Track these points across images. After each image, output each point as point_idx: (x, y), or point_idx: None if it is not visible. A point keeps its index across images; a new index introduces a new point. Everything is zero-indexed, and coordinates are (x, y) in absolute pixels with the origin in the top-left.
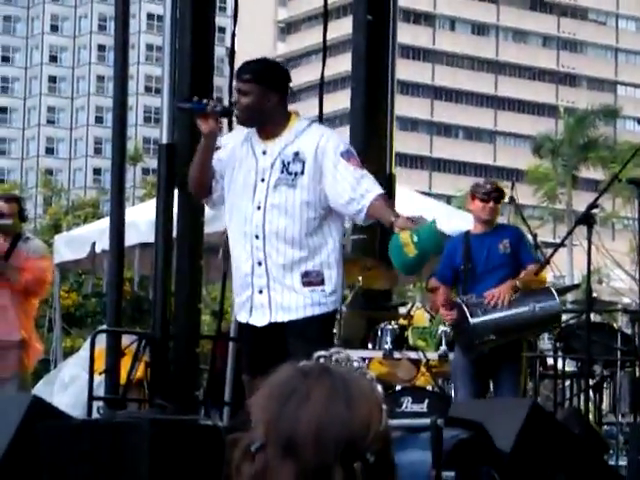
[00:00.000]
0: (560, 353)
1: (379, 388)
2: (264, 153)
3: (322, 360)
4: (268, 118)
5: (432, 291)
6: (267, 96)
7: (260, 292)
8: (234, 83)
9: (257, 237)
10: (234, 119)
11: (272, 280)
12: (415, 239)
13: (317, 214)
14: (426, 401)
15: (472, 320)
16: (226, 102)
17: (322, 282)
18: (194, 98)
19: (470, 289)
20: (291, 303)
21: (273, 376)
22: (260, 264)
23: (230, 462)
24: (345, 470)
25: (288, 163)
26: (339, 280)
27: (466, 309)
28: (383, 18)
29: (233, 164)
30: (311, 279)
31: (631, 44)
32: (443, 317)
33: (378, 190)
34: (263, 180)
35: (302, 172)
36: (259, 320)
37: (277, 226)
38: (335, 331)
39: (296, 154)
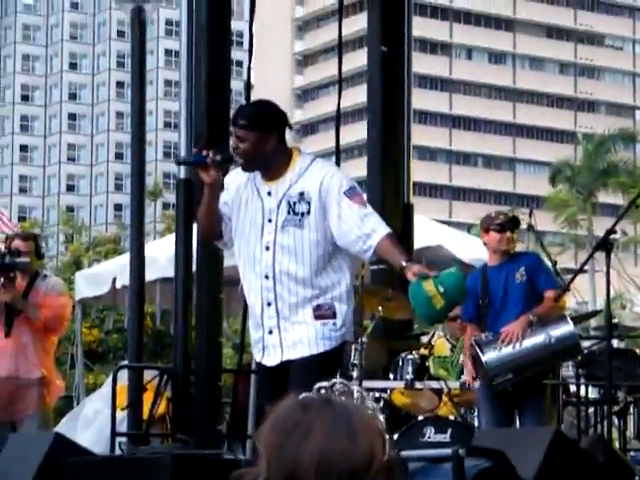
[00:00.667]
0: (583, 380)
1: (381, 418)
2: (269, 194)
3: (323, 392)
4: (269, 160)
5: (452, 320)
6: (265, 140)
7: (270, 333)
8: (231, 128)
9: (267, 277)
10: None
11: (283, 320)
12: (441, 290)
13: (326, 252)
14: (449, 431)
15: (485, 359)
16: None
17: (334, 315)
18: (194, 151)
19: (491, 324)
20: (302, 336)
21: (275, 409)
22: (270, 304)
23: None
24: None
25: (294, 204)
26: (349, 313)
27: (478, 350)
28: (398, 48)
29: (239, 205)
30: (323, 312)
31: None
32: (465, 375)
33: (385, 230)
34: (270, 221)
35: (308, 212)
36: (271, 360)
37: (287, 267)
38: (357, 362)
39: (301, 194)
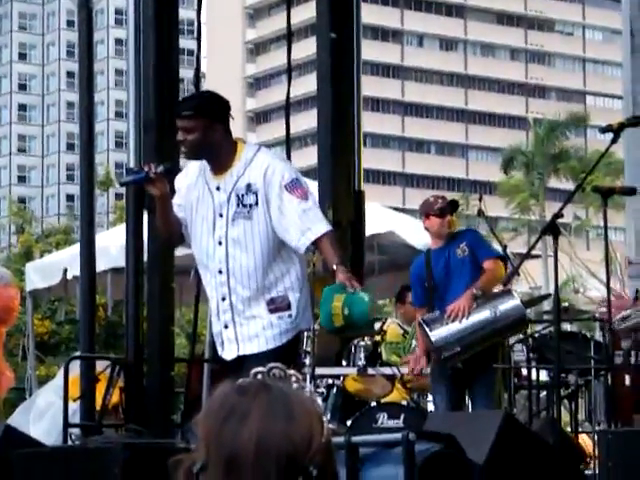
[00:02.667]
0: (534, 363)
1: (319, 401)
2: (218, 189)
3: (260, 376)
4: (216, 150)
5: (401, 302)
6: (212, 128)
7: (226, 327)
8: (176, 122)
9: (220, 272)
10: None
11: (237, 314)
12: (346, 312)
13: (275, 242)
14: (402, 416)
15: (432, 335)
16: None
17: (288, 307)
18: (133, 169)
19: (439, 304)
20: (258, 331)
21: (212, 395)
22: (224, 299)
23: None
24: None
25: (242, 196)
26: (303, 300)
27: (426, 327)
28: (347, 36)
29: (191, 204)
30: (277, 305)
31: (598, 54)
32: (409, 369)
33: (322, 228)
34: (221, 215)
35: (256, 203)
36: (228, 354)
37: (240, 260)
38: (309, 349)
39: (248, 186)
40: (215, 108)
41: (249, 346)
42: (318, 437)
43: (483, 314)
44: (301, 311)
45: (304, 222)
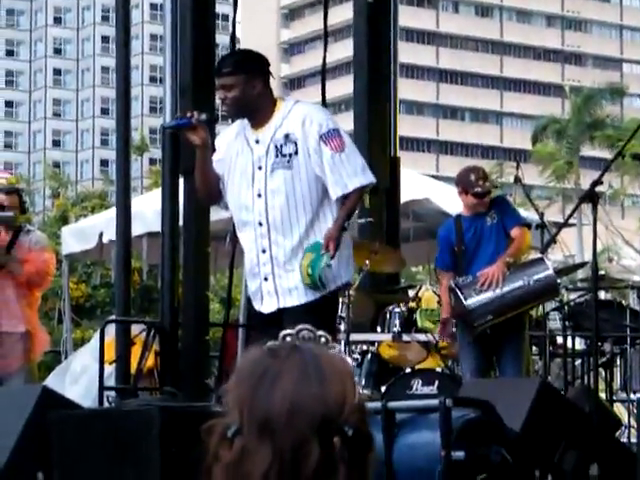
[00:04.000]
0: (569, 332)
1: (349, 361)
2: (257, 142)
3: (289, 338)
4: (256, 105)
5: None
6: (251, 83)
7: (266, 279)
8: (216, 81)
9: (260, 224)
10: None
11: (277, 266)
12: (309, 271)
13: (319, 191)
14: (436, 383)
15: (467, 303)
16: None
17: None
18: (177, 114)
19: (467, 270)
20: (297, 282)
21: (243, 359)
22: (264, 251)
23: (207, 450)
24: (323, 446)
25: (281, 146)
26: (345, 254)
27: (460, 293)
28: (384, 1)
29: (230, 159)
30: None
31: (636, 21)
32: (439, 337)
33: (351, 184)
34: (260, 168)
35: (296, 152)
36: (267, 307)
37: (280, 211)
38: (344, 315)
39: (287, 136)
40: (253, 64)
41: (289, 299)
42: (351, 397)
43: (517, 283)
44: (344, 263)
45: (334, 175)
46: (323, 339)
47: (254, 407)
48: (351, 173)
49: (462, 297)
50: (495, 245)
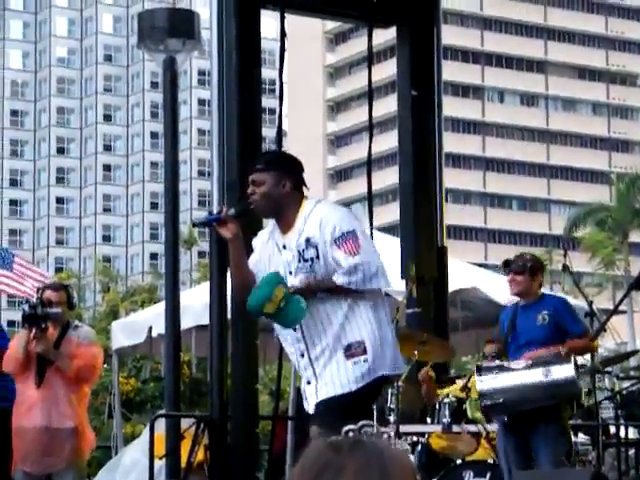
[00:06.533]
0: (622, 421)
1: (411, 458)
2: (284, 247)
3: (351, 434)
4: (282, 205)
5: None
6: (281, 182)
7: (308, 383)
8: (249, 177)
9: (294, 329)
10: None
11: (317, 367)
12: (282, 304)
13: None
14: (488, 474)
15: (479, 383)
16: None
17: (364, 351)
18: (207, 211)
19: (512, 358)
20: (333, 375)
21: (305, 452)
22: (302, 355)
23: None
24: None
25: (303, 251)
26: (383, 346)
27: (476, 373)
28: (428, 92)
29: (265, 262)
30: (353, 350)
31: None
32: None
33: (344, 281)
34: (291, 273)
35: (317, 257)
36: (311, 408)
37: (313, 314)
38: (393, 406)
39: (307, 240)
40: (285, 163)
41: (324, 390)
42: None
43: (534, 374)
44: (378, 355)
45: (345, 277)
46: (385, 435)
47: None
48: (359, 281)
49: (477, 377)
50: (537, 346)
